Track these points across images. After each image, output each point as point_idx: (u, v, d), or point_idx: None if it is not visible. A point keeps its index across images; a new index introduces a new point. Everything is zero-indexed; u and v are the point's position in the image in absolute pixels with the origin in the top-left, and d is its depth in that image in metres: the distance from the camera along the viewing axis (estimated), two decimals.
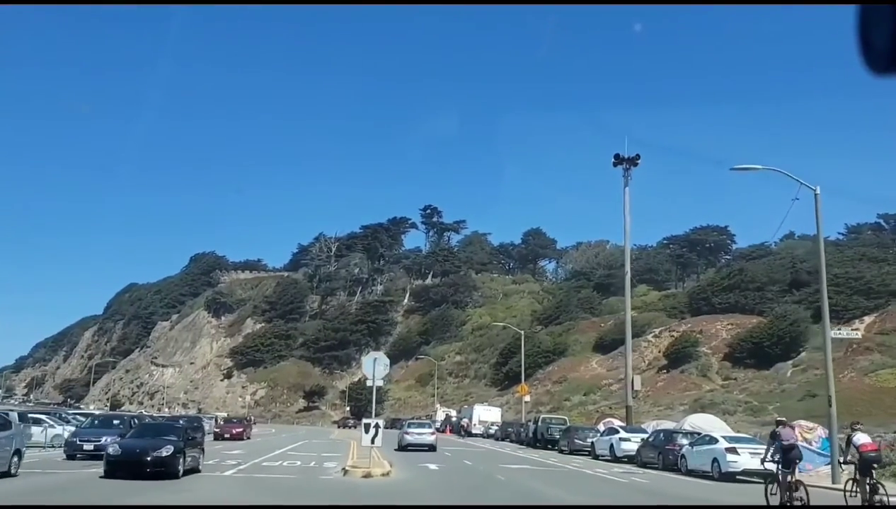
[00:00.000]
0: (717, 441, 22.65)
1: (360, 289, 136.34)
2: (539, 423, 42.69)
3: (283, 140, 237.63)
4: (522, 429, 46.64)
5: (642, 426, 36.15)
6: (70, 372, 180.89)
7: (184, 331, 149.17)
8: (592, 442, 33.43)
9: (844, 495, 15.42)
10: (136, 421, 29.75)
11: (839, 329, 24.87)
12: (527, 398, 61.02)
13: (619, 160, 34.93)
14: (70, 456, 23.25)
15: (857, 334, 27.48)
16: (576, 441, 35.39)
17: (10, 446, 17.07)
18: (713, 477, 21.70)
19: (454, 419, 68.53)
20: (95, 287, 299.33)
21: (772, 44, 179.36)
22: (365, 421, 20.93)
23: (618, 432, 31.83)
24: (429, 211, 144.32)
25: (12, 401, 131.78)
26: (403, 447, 32.66)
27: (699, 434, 25.61)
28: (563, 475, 23.20)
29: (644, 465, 27.08)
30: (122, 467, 16.54)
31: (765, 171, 21.96)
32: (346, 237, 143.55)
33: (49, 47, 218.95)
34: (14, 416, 28.35)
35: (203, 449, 20.49)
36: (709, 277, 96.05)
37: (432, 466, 23.97)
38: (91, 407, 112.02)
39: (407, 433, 34.30)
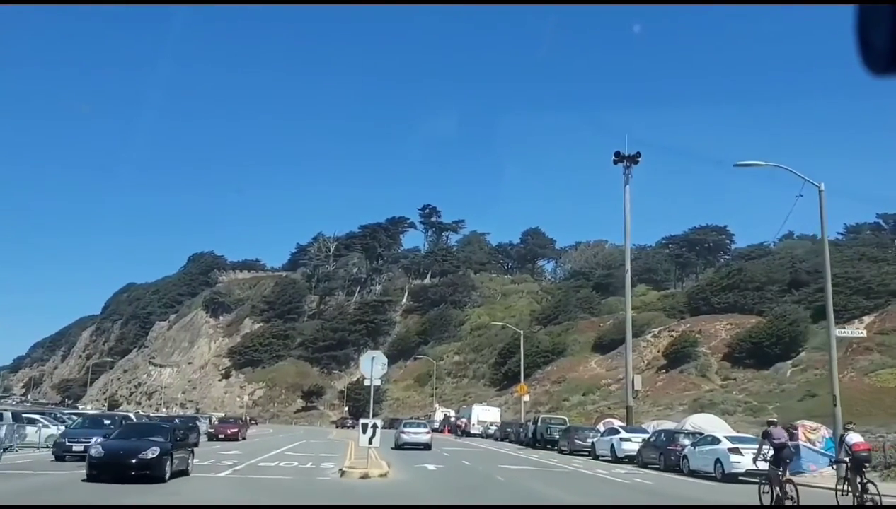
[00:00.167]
0: (719, 441, 22.39)
1: (358, 288, 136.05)
2: (539, 423, 42.42)
3: (282, 140, 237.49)
4: (522, 429, 46.37)
5: (642, 426, 35.89)
6: (68, 372, 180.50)
7: (182, 331, 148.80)
8: (593, 443, 33.16)
9: (836, 494, 15.48)
10: (127, 421, 29.18)
11: (843, 328, 24.56)
12: (526, 398, 60.79)
13: (619, 158, 34.68)
14: (59, 458, 22.37)
15: (861, 333, 27.21)
16: (576, 441, 35.12)
17: None
18: (716, 477, 21.45)
19: (453, 419, 68.32)
20: (93, 287, 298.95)
21: (771, 44, 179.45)
22: (362, 421, 20.63)
23: (618, 432, 31.55)
24: (427, 210, 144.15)
25: (10, 401, 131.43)
26: (400, 446, 33.96)
27: (701, 434, 25.34)
28: (564, 476, 22.92)
29: (645, 466, 26.82)
30: (105, 470, 15.70)
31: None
32: (345, 237, 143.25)
33: (49, 47, 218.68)
34: (8, 416, 28.09)
35: (193, 451, 19.59)
36: (708, 277, 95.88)
37: (431, 467, 23.69)
38: (89, 407, 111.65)
39: (403, 432, 35.63)
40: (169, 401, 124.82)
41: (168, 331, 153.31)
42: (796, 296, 75.42)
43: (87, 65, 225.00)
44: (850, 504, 14.95)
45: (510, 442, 47.42)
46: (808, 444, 23.42)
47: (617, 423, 37.79)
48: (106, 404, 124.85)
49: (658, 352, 75.17)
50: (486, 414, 63.05)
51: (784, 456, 15.26)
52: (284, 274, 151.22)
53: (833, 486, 15.75)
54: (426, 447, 34.07)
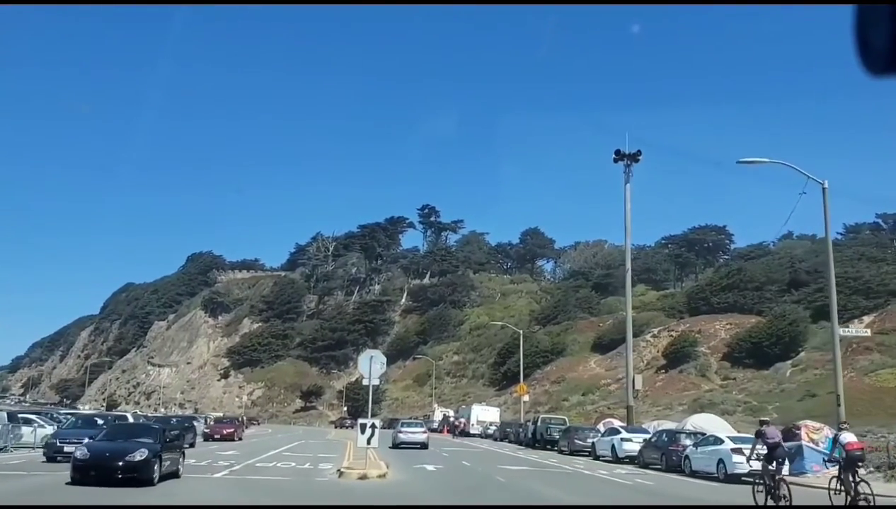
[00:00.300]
0: (722, 441, 22.18)
1: (357, 288, 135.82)
2: (538, 423, 42.23)
3: (281, 140, 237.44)
4: (521, 430, 46.18)
5: (642, 426, 35.70)
6: (66, 372, 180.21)
7: (180, 331, 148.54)
8: (593, 443, 32.94)
9: (829, 494, 15.52)
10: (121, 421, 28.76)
11: (847, 327, 24.39)
12: (525, 398, 60.61)
13: (619, 156, 34.48)
14: (50, 459, 21.61)
15: (865, 332, 27.03)
16: (576, 441, 34.91)
17: None
18: (718, 478, 21.24)
19: (451, 419, 68.16)
20: (92, 287, 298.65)
21: (770, 44, 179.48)
22: (361, 421, 20.40)
23: (619, 432, 31.34)
24: (426, 210, 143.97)
25: (8, 401, 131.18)
26: (397, 445, 35.04)
27: (703, 434, 25.13)
28: (565, 476, 22.72)
29: (646, 466, 26.62)
30: (90, 473, 14.96)
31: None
32: (344, 237, 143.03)
33: (48, 47, 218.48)
34: (3, 416, 27.87)
35: (184, 453, 18.87)
36: (707, 277, 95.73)
37: (430, 467, 23.49)
38: (87, 407, 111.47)
39: (400, 431, 36.98)
40: (167, 401, 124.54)
41: (167, 330, 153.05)
42: (796, 295, 75.31)
43: (86, 65, 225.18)
44: (843, 503, 14.99)
45: (509, 442, 47.23)
46: (811, 444, 23.24)
47: (617, 423, 37.59)
48: (104, 404, 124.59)
49: (657, 351, 75.04)
50: (485, 414, 62.86)
51: (777, 456, 15.32)
52: (283, 274, 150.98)
53: (839, 487, 15.62)
54: (423, 446, 35.08)
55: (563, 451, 35.35)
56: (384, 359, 21.21)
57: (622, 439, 30.02)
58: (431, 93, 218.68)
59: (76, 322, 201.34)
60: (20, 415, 32.04)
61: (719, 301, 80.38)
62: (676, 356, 70.08)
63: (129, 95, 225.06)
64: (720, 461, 21.37)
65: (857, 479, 14.99)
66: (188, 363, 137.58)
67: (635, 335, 64.13)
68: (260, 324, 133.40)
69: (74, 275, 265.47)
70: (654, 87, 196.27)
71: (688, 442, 24.88)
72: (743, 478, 20.82)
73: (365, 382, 20.99)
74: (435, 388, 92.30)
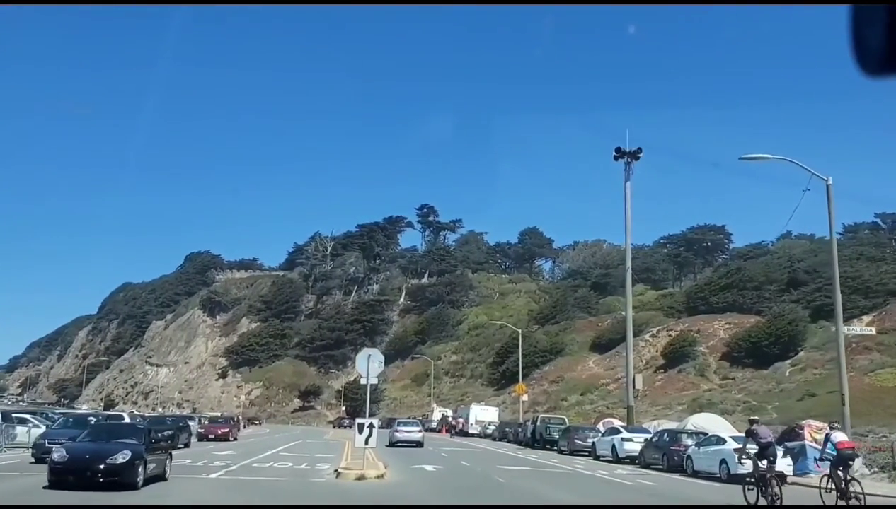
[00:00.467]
0: (724, 441, 21.94)
1: (355, 288, 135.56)
2: (538, 423, 42.01)
3: (280, 139, 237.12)
4: (520, 429, 45.97)
5: (642, 426, 35.49)
6: (64, 371, 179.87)
7: (178, 331, 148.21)
8: (593, 443, 32.67)
9: (820, 492, 15.65)
10: (113, 420, 28.28)
11: (852, 324, 24.20)
12: (524, 397, 60.43)
13: (620, 154, 34.31)
14: (39, 459, 20.74)
15: (870, 330, 26.81)
16: (576, 441, 34.66)
17: None
18: (721, 478, 20.99)
19: (450, 419, 67.99)
20: (90, 286, 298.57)
21: (768, 45, 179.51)
22: (359, 421, 20.14)
23: (620, 432, 31.09)
24: (425, 210, 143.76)
25: (5, 401, 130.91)
26: (393, 443, 36.51)
27: (705, 434, 24.89)
28: (566, 476, 22.49)
29: (647, 466, 26.40)
30: (69, 476, 14.01)
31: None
32: (342, 236, 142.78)
33: (47, 47, 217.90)
34: None
35: (171, 454, 17.80)
36: (706, 276, 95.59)
37: (429, 468, 23.25)
38: (84, 407, 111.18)
39: (397, 431, 38.62)
40: (165, 401, 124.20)
41: (165, 330, 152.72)
42: (795, 295, 75.19)
43: (86, 64, 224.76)
44: (834, 502, 15.09)
45: (508, 442, 47.02)
46: (815, 444, 23.00)
47: (617, 423, 37.40)
48: (102, 404, 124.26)
49: (656, 351, 74.90)
50: (484, 413, 62.65)
51: (769, 455, 15.45)
52: (281, 273, 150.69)
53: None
54: (418, 444, 36.63)
55: (563, 451, 35.12)
56: (382, 358, 20.96)
57: (623, 439, 29.76)
58: (430, 92, 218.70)
59: (74, 322, 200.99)
60: (14, 415, 31.76)
61: (718, 300, 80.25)
62: (675, 356, 69.93)
63: (127, 95, 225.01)
64: (723, 461, 21.13)
65: (848, 478, 15.15)
66: (186, 363, 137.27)
67: (634, 334, 63.97)
68: (258, 323, 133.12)
69: (72, 274, 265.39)
70: (652, 88, 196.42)
71: (689, 442, 24.65)
72: (747, 479, 20.63)
73: (363, 381, 20.76)
74: (433, 388, 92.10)
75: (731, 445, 21.37)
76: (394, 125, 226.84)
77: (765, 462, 15.43)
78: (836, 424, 17.05)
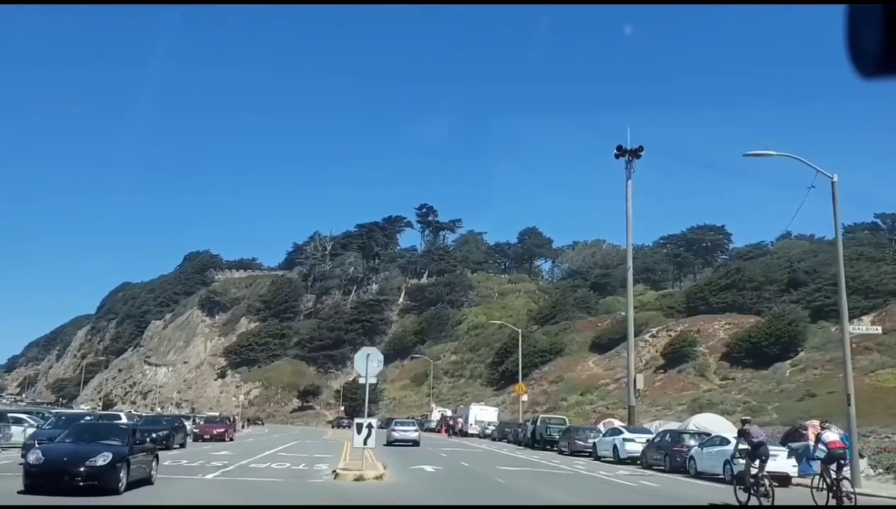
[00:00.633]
0: (728, 442, 21.66)
1: (355, 288, 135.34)
2: (538, 423, 41.79)
3: (278, 139, 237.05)
4: (520, 430, 45.76)
5: (643, 426, 35.27)
6: (63, 371, 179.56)
7: (177, 330, 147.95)
8: (594, 443, 32.41)
9: (812, 492, 15.84)
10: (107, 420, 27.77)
11: (857, 325, 23.99)
12: (524, 397, 60.21)
13: (621, 152, 34.08)
14: None
15: (876, 329, 26.60)
16: (577, 441, 34.41)
17: None
18: (725, 479, 20.76)
19: (449, 419, 67.77)
20: (89, 286, 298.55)
21: (767, 45, 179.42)
22: (357, 420, 19.89)
23: (621, 433, 30.82)
24: (424, 210, 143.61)
25: (3, 401, 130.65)
26: (390, 442, 37.45)
27: (708, 434, 24.66)
28: (567, 477, 22.24)
29: (649, 467, 26.18)
30: (45, 480, 12.95)
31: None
32: (342, 236, 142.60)
33: (45, 46, 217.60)
34: None
35: (157, 456, 16.67)
36: (706, 277, 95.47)
37: (428, 468, 23.00)
38: (82, 406, 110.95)
39: (394, 430, 39.89)
40: (164, 401, 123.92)
41: (163, 330, 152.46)
42: (795, 295, 75.10)
43: (85, 64, 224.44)
44: (825, 501, 15.27)
45: (508, 442, 46.81)
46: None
47: (618, 423, 37.19)
48: (101, 404, 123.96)
49: (656, 351, 74.72)
50: (483, 413, 62.37)
51: (761, 454, 15.59)
52: (281, 273, 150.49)
53: (850, 489, 15.37)
54: (414, 443, 37.89)
55: (564, 452, 34.90)
56: (381, 357, 20.71)
57: (624, 439, 29.48)
58: (429, 93, 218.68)
59: (73, 321, 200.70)
60: (10, 415, 31.53)
61: (718, 301, 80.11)
62: (675, 356, 69.76)
63: (126, 95, 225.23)
64: (727, 462, 20.90)
65: (840, 477, 15.34)
66: (185, 362, 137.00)
67: (634, 335, 63.76)
68: (257, 323, 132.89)
69: (71, 274, 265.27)
70: (652, 88, 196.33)
71: (692, 442, 24.41)
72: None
73: (362, 381, 20.51)
74: (433, 388, 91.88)
75: (745, 447, 21.16)
76: (393, 125, 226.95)
77: (757, 461, 15.56)
78: (827, 424, 17.36)
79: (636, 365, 64.08)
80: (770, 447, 20.56)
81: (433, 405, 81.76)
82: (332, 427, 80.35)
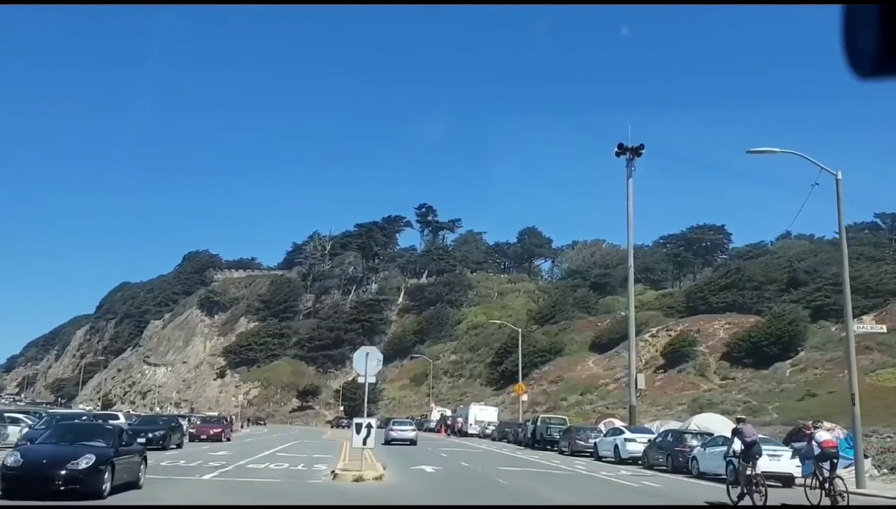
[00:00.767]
0: (732, 442, 21.55)
1: (354, 287, 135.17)
2: (538, 423, 41.62)
3: (278, 139, 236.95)
4: (520, 430, 45.60)
5: (645, 426, 35.09)
6: (62, 371, 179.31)
7: (176, 330, 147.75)
8: (595, 443, 32.18)
9: (805, 491, 16.07)
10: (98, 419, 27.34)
11: (862, 324, 23.83)
12: (524, 397, 60.04)
13: (622, 150, 33.91)
14: None
15: (881, 328, 26.42)
16: (577, 441, 34.21)
17: None
18: (728, 480, 20.63)
19: (448, 419, 67.62)
20: (88, 286, 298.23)
21: (767, 45, 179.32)
22: (356, 420, 19.69)
23: (622, 432, 30.63)
24: (424, 209, 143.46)
25: (2, 401, 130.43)
26: (388, 441, 38.07)
27: (710, 435, 24.47)
28: (568, 478, 22.06)
29: (651, 467, 26.00)
30: (23, 484, 12.16)
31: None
32: (341, 236, 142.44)
33: (44, 46, 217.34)
34: None
35: (146, 458, 15.72)
36: (706, 276, 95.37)
37: (428, 469, 22.81)
38: (81, 406, 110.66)
39: (392, 429, 40.77)
40: (163, 401, 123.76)
41: (163, 329, 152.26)
42: (795, 295, 75.01)
43: (84, 63, 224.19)
44: (818, 500, 15.41)
45: (508, 442, 46.66)
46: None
47: (618, 423, 37.02)
48: (100, 404, 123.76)
49: (656, 351, 74.59)
50: (483, 413, 62.19)
51: (753, 453, 15.71)
52: (280, 272, 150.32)
53: (855, 490, 15.24)
54: (412, 442, 38.74)
55: (564, 452, 34.72)
56: (380, 356, 20.52)
57: (626, 439, 29.26)
58: (428, 93, 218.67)
59: (72, 321, 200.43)
60: (7, 415, 31.33)
61: (718, 300, 80.00)
62: (675, 355, 69.63)
63: (125, 94, 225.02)
64: (730, 462, 20.73)
65: (832, 476, 15.50)
66: (184, 362, 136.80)
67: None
68: (256, 323, 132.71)
69: (70, 274, 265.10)
70: (652, 88, 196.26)
71: (695, 442, 24.22)
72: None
73: (361, 380, 20.32)
74: (432, 388, 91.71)
75: (739, 446, 20.98)
76: (393, 125, 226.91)
77: (750, 460, 15.69)
78: (819, 424, 17.65)
79: (636, 364, 64.21)
80: (773, 447, 20.46)
81: (433, 405, 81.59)
82: (332, 427, 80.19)
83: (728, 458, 16.86)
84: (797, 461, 19.74)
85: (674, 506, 16.35)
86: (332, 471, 19.29)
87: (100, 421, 26.74)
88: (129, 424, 31.82)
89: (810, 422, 24.15)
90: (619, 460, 28.57)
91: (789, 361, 62.16)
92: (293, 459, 25.25)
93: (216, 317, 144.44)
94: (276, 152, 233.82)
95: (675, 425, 33.56)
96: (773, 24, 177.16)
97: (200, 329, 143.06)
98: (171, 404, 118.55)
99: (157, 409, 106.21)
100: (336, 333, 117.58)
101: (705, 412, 40.19)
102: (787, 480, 19.46)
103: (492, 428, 55.82)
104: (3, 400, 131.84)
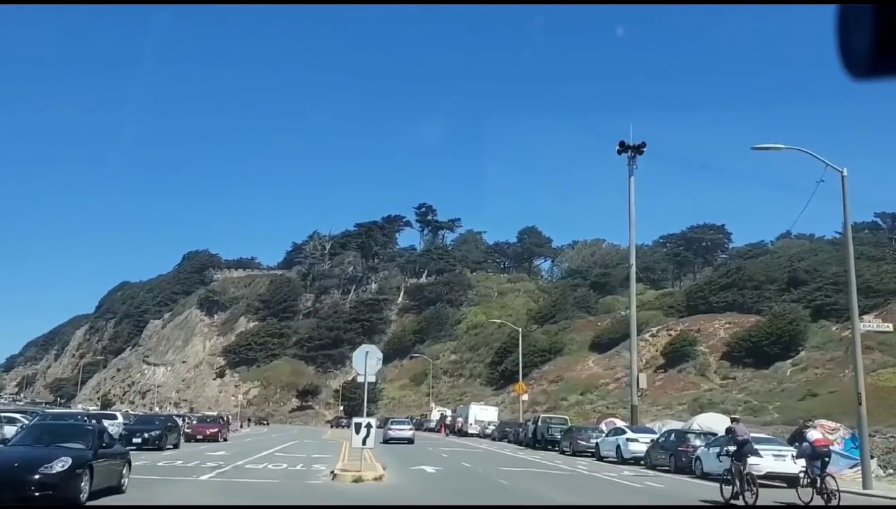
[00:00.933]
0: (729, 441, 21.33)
1: (354, 287, 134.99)
2: (539, 423, 41.41)
3: (278, 138, 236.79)
4: (521, 429, 45.40)
5: (645, 426, 34.87)
6: (61, 371, 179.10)
7: (176, 330, 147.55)
8: (597, 443, 31.90)
9: (797, 490, 16.30)
10: (96, 420, 26.99)
11: (869, 322, 23.66)
12: (524, 397, 59.84)
13: (623, 148, 33.69)
14: None
15: (887, 326, 26.22)
16: (579, 442, 33.94)
17: None
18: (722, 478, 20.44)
19: (449, 420, 67.45)
20: (87, 285, 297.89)
21: (766, 45, 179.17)
22: (356, 420, 19.48)
23: (624, 432, 30.37)
24: (423, 209, 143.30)
25: (2, 400, 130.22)
26: (387, 440, 38.53)
27: (714, 434, 24.24)
28: (570, 478, 21.85)
29: (653, 467, 25.79)
30: None
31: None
32: (341, 235, 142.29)
33: (41, 45, 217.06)
34: None
35: (129, 461, 14.73)
36: (706, 276, 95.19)
37: (429, 469, 22.61)
38: (80, 406, 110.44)
39: (390, 429, 41.69)
40: (163, 401, 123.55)
41: (162, 329, 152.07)
42: (795, 294, 74.86)
43: (82, 63, 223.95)
44: (810, 498, 15.55)
45: (509, 442, 46.47)
46: (835, 446, 22.40)
47: (619, 423, 36.80)
48: (99, 403, 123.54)
49: (656, 351, 74.43)
50: (483, 413, 62.02)
51: (746, 452, 15.86)
52: (280, 272, 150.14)
53: (861, 490, 15.06)
54: (409, 441, 39.84)
55: (565, 452, 34.51)
56: (380, 355, 20.31)
57: (628, 439, 28.99)
58: (428, 92, 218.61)
59: (71, 321, 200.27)
60: (3, 414, 31.12)
61: (718, 300, 79.84)
62: (675, 355, 69.48)
63: (123, 93, 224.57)
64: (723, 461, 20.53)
65: (824, 475, 15.62)
66: (184, 362, 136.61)
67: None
68: (256, 322, 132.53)
69: (69, 273, 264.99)
70: (650, 88, 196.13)
71: (698, 442, 24.00)
72: (760, 481, 20.02)
73: (360, 379, 20.12)
74: (432, 388, 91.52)
75: (732, 446, 20.77)
76: (392, 125, 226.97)
77: (742, 459, 15.76)
78: (810, 423, 17.72)
79: (637, 364, 63.99)
80: (778, 447, 20.25)
81: (432, 404, 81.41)
82: (331, 426, 80.00)
83: (720, 457, 17.03)
84: (802, 461, 19.56)
85: (667, 506, 16.29)
86: (332, 472, 19.09)
87: (84, 420, 26.12)
88: (126, 424, 31.57)
89: (801, 421, 24.06)
90: (622, 460, 28.35)
91: (790, 361, 62.01)
92: (292, 459, 25.05)
93: (216, 316, 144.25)
94: (275, 152, 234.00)
95: (675, 425, 33.34)
96: (773, 24, 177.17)
97: (200, 328, 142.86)
98: (170, 404, 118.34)
99: (157, 409, 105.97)
100: (336, 333, 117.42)
101: (706, 412, 39.95)
102: (791, 480, 19.24)
103: (492, 427, 55.64)
104: (2, 400, 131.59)
